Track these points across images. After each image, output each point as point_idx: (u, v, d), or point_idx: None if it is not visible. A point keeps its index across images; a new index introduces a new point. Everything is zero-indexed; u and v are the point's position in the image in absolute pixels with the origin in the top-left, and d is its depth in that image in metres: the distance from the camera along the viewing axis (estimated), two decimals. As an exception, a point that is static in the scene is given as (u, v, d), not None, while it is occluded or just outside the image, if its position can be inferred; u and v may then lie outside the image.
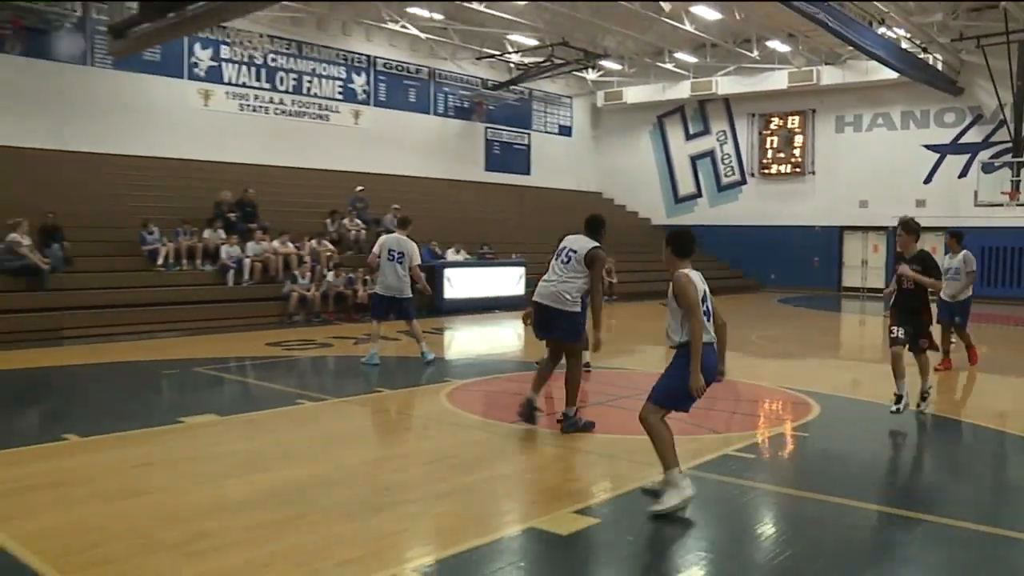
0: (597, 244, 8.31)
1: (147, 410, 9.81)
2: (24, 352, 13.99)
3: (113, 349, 14.49)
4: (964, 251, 13.00)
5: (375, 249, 12.71)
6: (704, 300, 5.92)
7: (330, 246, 21.32)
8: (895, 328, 9.03)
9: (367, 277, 20.02)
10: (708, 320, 5.92)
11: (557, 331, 8.44)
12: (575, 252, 8.24)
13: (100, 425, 8.50)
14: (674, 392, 5.93)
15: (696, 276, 5.95)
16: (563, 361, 8.59)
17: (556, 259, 8.39)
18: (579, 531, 5.47)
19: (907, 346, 9.03)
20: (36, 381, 12.12)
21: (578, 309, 8.33)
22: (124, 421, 8.73)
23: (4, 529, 5.30)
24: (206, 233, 19.74)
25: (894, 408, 8.83)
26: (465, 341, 17.88)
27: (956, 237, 13.31)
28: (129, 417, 9.05)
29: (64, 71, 22.17)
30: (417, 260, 12.64)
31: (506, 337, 19.12)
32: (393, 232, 13.23)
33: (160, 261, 18.72)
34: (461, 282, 22.40)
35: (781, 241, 32.50)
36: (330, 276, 19.83)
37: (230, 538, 5.28)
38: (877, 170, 30.97)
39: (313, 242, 20.80)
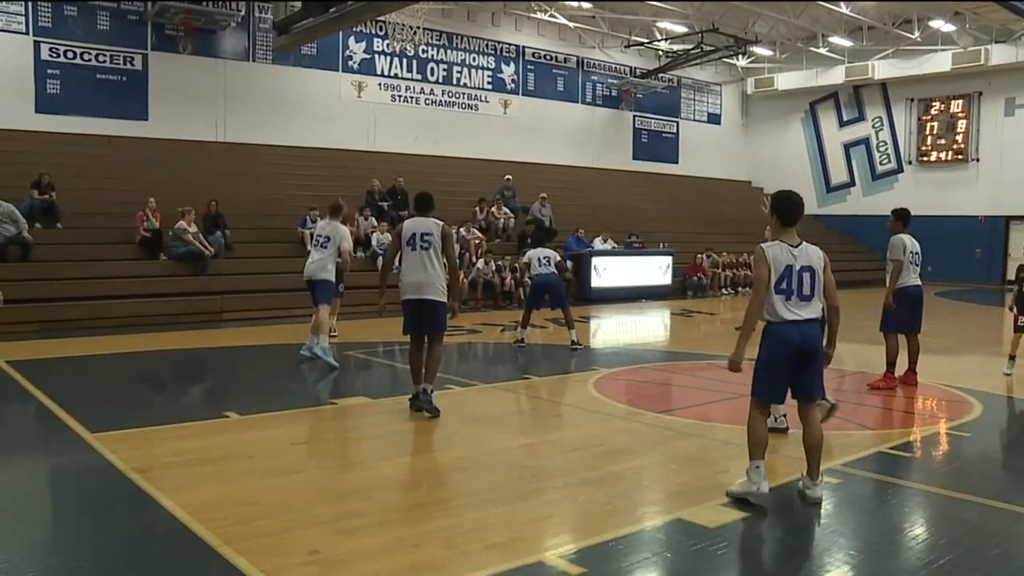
0: (440, 221, 8.39)
1: (302, 391, 10.14)
2: (188, 333, 14.71)
3: (269, 331, 15.04)
4: None
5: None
6: (787, 276, 5.61)
7: (478, 234, 21.57)
8: None
9: (515, 265, 20.20)
10: (791, 298, 5.61)
11: (436, 325, 8.28)
12: (431, 235, 8.21)
13: (258, 404, 8.81)
14: (754, 378, 5.80)
15: (777, 249, 5.65)
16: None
17: (413, 249, 8.20)
18: (726, 524, 5.34)
19: None
20: (199, 361, 12.71)
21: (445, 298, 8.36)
22: (280, 401, 9.04)
23: (173, 498, 5.56)
24: (358, 221, 20.23)
25: None
26: (612, 330, 17.79)
27: None
28: (285, 397, 9.37)
29: (227, 67, 23.22)
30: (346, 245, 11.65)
31: (653, 326, 18.96)
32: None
33: (309, 247, 19.32)
34: (609, 271, 22.31)
35: (940, 232, 30.08)
36: (480, 264, 20.06)
37: (381, 517, 5.39)
38: (1053, 155, 29.11)
39: (462, 230, 21.07)
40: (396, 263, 8.79)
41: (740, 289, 24.82)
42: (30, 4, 20.38)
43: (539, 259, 13.52)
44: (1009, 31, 28.21)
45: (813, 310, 5.69)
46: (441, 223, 8.37)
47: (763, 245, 5.76)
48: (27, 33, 20.46)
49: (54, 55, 20.78)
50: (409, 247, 8.21)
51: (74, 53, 21.03)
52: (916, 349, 10.24)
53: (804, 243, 5.80)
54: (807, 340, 5.62)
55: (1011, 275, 29.56)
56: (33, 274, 15.67)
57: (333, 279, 11.40)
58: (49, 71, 20.73)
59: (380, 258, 19.50)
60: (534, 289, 13.73)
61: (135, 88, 21.87)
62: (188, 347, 13.44)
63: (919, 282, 10.26)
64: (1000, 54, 29.08)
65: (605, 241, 23.57)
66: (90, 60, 21.26)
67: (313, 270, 11.25)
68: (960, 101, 31.82)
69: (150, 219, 17.56)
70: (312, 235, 11.70)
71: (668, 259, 23.82)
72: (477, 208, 22.86)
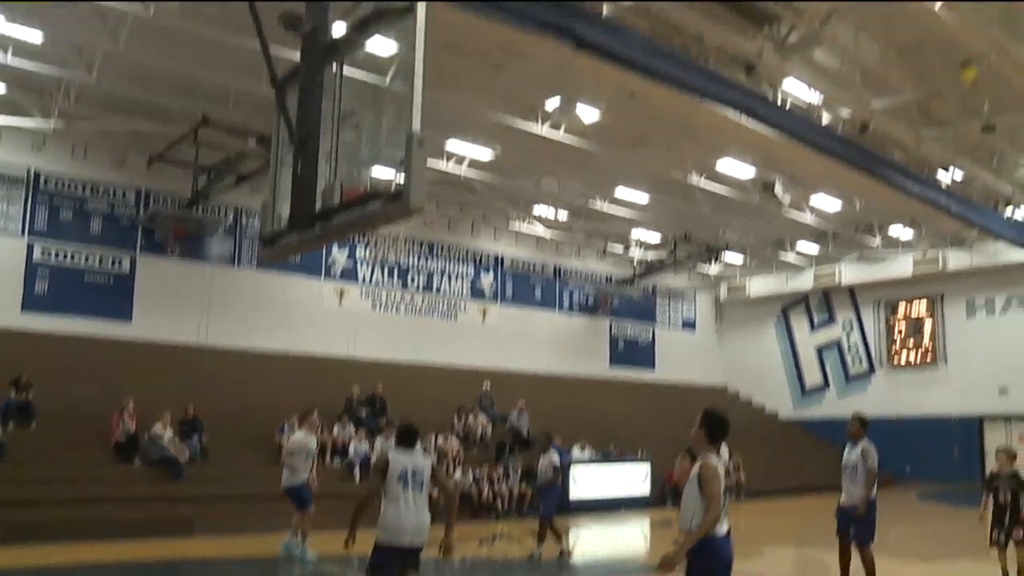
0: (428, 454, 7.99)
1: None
2: (157, 542, 14.32)
3: (243, 542, 14.69)
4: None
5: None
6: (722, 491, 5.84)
7: (456, 443, 21.39)
8: None
9: (495, 475, 20.03)
10: (723, 513, 5.82)
11: (417, 565, 7.64)
12: (423, 471, 7.64)
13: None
14: None
15: (721, 465, 5.88)
16: None
17: (406, 488, 7.47)
18: None
19: None
20: (169, 574, 12.35)
21: None
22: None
23: None
24: (335, 429, 20.13)
25: None
26: (592, 541, 17.48)
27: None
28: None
29: (213, 271, 23.68)
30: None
31: (632, 538, 18.66)
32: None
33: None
34: (587, 480, 22.11)
35: (916, 432, 30.53)
36: (457, 474, 19.77)
37: None
38: (1016, 355, 29.54)
39: (440, 439, 20.92)
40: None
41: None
42: (28, 208, 21.02)
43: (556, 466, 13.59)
44: (961, 238, 29.45)
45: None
46: (430, 456, 7.98)
47: (713, 462, 5.88)
48: (22, 235, 20.97)
49: (46, 256, 21.22)
50: (402, 484, 7.49)
51: (65, 255, 21.47)
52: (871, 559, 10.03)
53: None
54: (732, 551, 5.91)
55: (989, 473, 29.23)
56: (2, 475, 15.37)
57: (295, 484, 12.53)
58: (39, 271, 21.10)
59: (357, 468, 19.25)
60: (555, 497, 13.63)
61: (121, 289, 22.19)
62: (159, 557, 13.09)
63: None
64: (956, 259, 30.21)
65: (583, 450, 23.45)
66: (80, 262, 21.68)
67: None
68: (924, 303, 32.79)
69: (126, 422, 17.43)
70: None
71: (646, 467, 23.68)
72: (455, 416, 22.85)
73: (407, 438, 7.84)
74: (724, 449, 16.82)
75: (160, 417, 17.46)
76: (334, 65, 7.59)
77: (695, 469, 5.89)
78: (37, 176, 21.30)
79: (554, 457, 13.68)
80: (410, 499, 7.47)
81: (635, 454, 24.35)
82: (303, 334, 24.79)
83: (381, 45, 10.08)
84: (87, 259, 21.85)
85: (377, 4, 7.08)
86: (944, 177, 22.39)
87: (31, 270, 21.03)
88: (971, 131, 19.65)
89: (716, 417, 6.01)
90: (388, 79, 8.40)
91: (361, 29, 7.41)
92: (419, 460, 7.70)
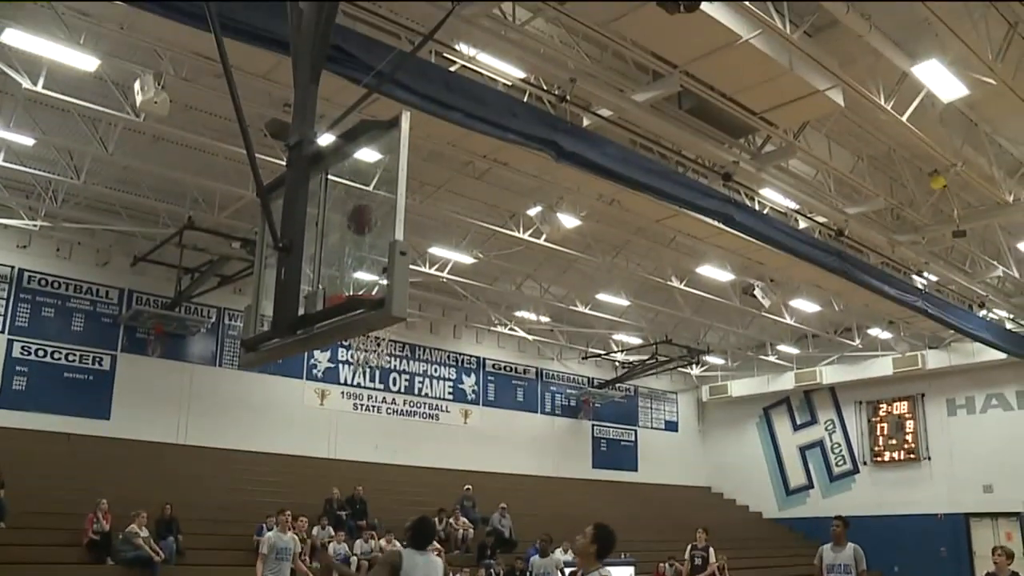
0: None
1: None
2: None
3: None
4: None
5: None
6: None
7: (437, 546, 21.13)
8: None
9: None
10: None
11: None
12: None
13: None
14: None
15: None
16: None
17: None
18: None
19: None
20: None
21: None
22: None
23: None
24: (314, 530, 19.90)
25: None
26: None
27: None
28: None
29: (194, 371, 23.57)
30: None
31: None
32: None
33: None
34: (569, 584, 21.82)
35: (902, 531, 30.05)
36: (437, 577, 19.51)
37: None
38: (998, 452, 29.41)
39: (420, 541, 20.61)
40: None
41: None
42: (9, 305, 21.02)
43: None
44: (940, 338, 29.77)
45: None
46: (440, 564, 7.25)
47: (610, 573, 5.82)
48: (2, 332, 20.90)
49: (25, 353, 21.07)
50: None
51: (45, 352, 21.33)
52: None
53: None
54: None
55: (980, 572, 28.74)
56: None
57: None
58: (18, 368, 20.89)
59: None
60: None
61: (100, 387, 21.98)
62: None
63: None
64: (935, 359, 30.48)
65: (566, 552, 23.15)
66: (60, 359, 21.53)
67: None
68: (905, 403, 32.75)
69: (100, 521, 17.14)
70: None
71: (630, 570, 23.35)
72: (436, 519, 22.59)
73: (425, 535, 6.96)
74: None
75: (136, 516, 17.20)
76: (320, 174, 7.76)
77: None
78: (21, 274, 21.37)
79: (559, 558, 13.58)
80: None
81: (618, 556, 24.05)
82: (283, 434, 24.61)
83: (366, 153, 10.29)
84: (67, 356, 21.76)
85: (364, 118, 7.28)
86: (919, 280, 22.81)
87: (9, 367, 20.85)
88: (943, 236, 20.08)
89: (609, 533, 5.86)
90: (372, 186, 8.58)
91: (348, 140, 7.60)
92: (435, 565, 6.86)
